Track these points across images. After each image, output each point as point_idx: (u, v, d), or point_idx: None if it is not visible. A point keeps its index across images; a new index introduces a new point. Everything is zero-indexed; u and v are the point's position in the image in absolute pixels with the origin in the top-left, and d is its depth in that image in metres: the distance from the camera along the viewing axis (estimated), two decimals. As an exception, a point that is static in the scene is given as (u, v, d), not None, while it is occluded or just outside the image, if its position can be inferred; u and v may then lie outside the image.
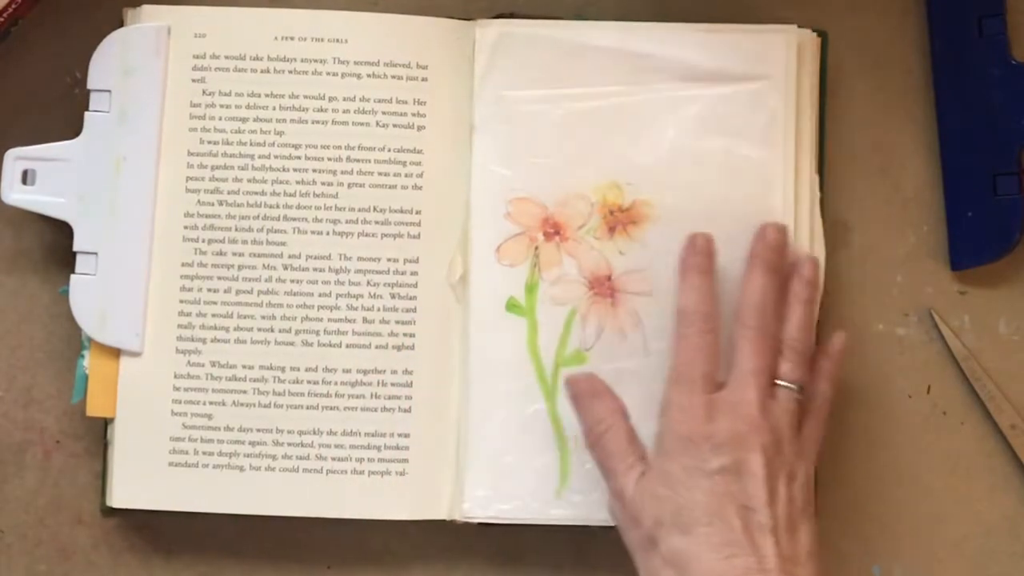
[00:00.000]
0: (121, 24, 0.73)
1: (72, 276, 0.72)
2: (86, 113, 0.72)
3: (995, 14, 0.74)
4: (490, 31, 0.73)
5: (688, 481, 0.64)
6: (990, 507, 0.74)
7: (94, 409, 0.72)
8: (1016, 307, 0.75)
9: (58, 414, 0.74)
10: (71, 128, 0.73)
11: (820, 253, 0.72)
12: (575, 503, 0.71)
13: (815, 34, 0.73)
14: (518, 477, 0.72)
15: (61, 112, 0.74)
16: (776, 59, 0.72)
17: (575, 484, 0.71)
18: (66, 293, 0.72)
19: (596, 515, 0.70)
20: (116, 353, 0.72)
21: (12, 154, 0.72)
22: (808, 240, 0.72)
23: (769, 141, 0.72)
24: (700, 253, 0.70)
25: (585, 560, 0.74)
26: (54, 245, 0.74)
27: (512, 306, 0.72)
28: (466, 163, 0.73)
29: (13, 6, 0.72)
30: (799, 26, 0.73)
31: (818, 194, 0.72)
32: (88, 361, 0.72)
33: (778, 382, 0.67)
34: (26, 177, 0.72)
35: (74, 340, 0.73)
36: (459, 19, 0.74)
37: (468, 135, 0.73)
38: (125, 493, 0.71)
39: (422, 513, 0.72)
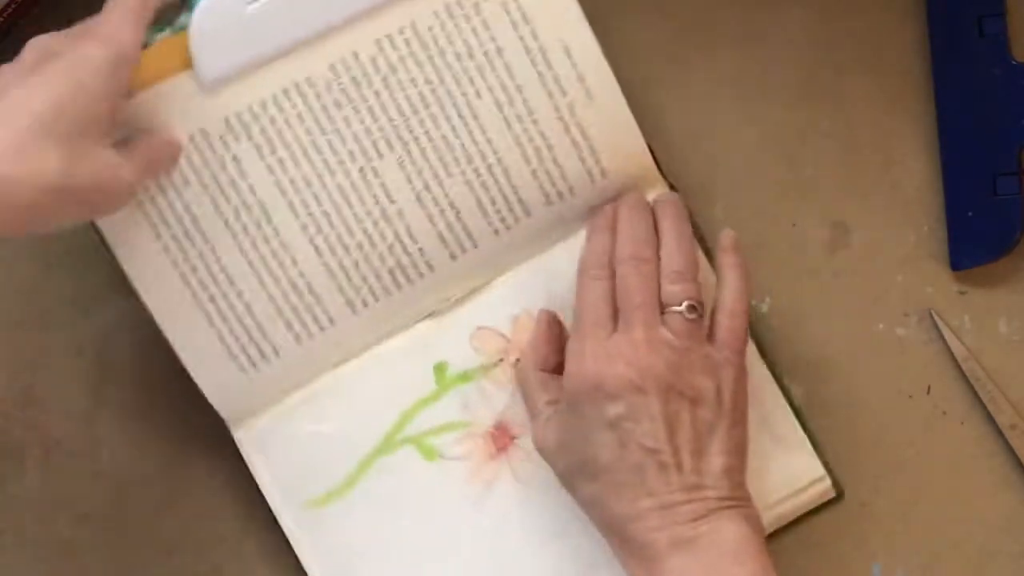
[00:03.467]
0: None
1: None
2: None
3: (995, 14, 0.74)
4: None
5: (590, 432, 0.65)
6: (990, 507, 0.74)
7: None
8: (1016, 307, 0.75)
9: (58, 414, 0.74)
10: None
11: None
12: None
13: None
14: None
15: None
16: None
17: None
18: None
19: None
20: None
21: None
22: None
23: None
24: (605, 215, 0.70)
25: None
26: (53, 244, 0.74)
27: (439, 368, 0.71)
28: None
29: (13, 6, 0.72)
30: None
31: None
32: None
33: (667, 309, 0.66)
34: None
35: (74, 340, 0.73)
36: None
37: None
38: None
39: None
